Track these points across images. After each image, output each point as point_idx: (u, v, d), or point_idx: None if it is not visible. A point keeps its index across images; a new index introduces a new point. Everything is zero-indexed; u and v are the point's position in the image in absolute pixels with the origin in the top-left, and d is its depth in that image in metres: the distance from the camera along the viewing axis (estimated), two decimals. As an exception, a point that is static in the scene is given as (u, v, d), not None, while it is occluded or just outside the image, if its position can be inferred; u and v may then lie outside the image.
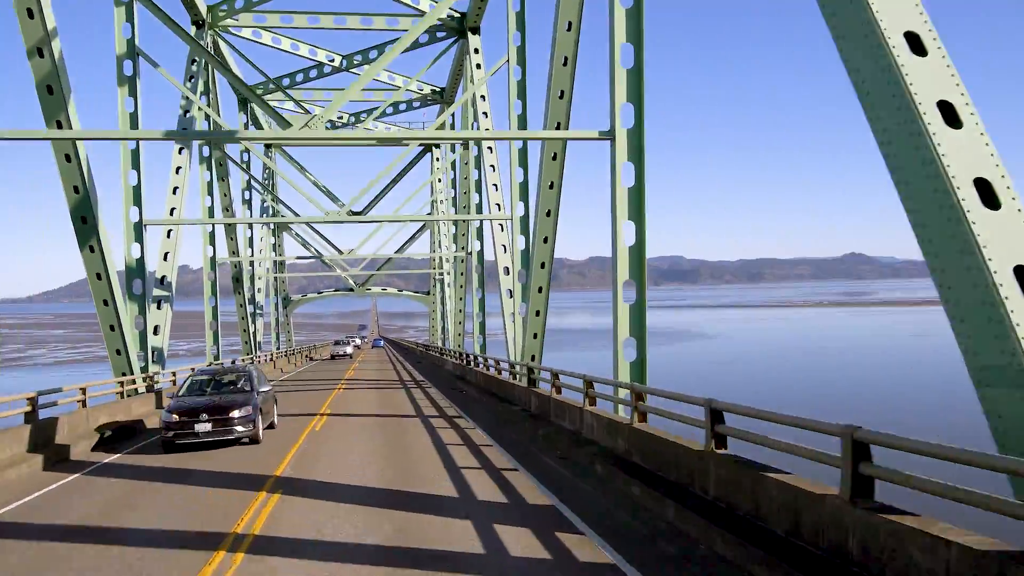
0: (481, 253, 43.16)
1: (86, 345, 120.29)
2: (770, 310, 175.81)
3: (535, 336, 28.03)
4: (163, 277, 31.89)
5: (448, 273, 60.89)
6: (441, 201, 65.06)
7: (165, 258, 32.38)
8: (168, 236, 32.70)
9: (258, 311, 55.69)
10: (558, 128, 23.70)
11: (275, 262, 66.57)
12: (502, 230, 34.89)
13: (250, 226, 53.00)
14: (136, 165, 28.05)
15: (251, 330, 50.23)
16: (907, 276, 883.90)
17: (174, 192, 33.67)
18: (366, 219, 30.30)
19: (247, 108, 53.51)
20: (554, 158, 24.82)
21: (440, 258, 63.13)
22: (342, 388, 31.70)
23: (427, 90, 54.72)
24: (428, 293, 76.50)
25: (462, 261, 49.83)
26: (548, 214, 25.86)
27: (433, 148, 66.55)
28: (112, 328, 25.37)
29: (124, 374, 25.79)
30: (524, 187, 29.80)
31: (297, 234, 72.47)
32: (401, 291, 78.89)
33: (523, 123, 29.82)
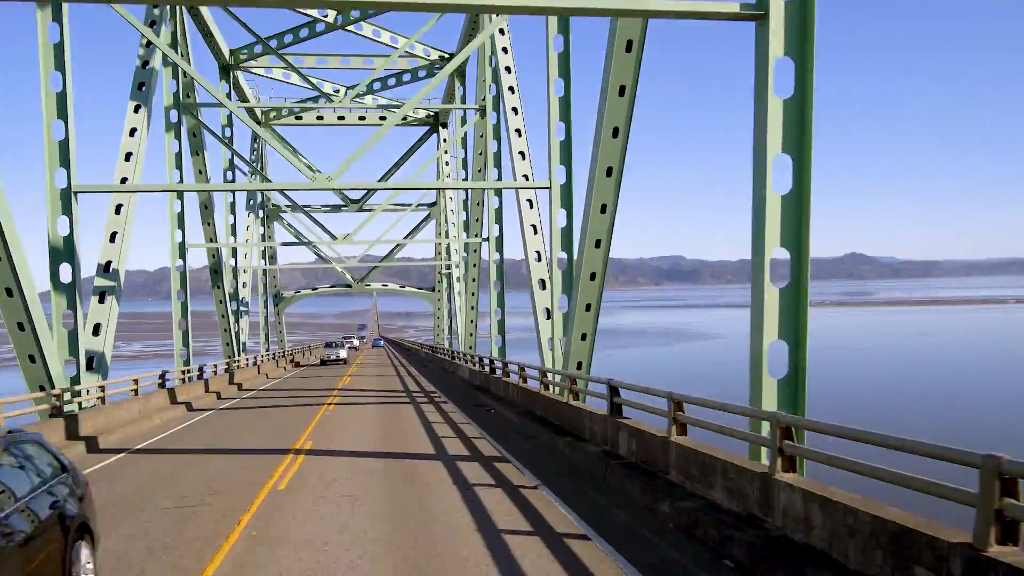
0: (500, 238, 36.57)
1: None
2: None
3: (584, 337, 21.51)
4: (108, 263, 25.40)
5: (457, 266, 54.23)
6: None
7: (112, 239, 25.87)
8: (117, 212, 26.17)
9: (243, 308, 49.12)
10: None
11: (264, 253, 59.95)
12: (531, 207, 28.36)
13: (232, 211, 46.47)
14: (63, 114, 21.51)
15: (233, 329, 43.63)
16: (907, 276, 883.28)
17: (127, 159, 27.19)
18: (364, 185, 23.75)
19: (229, 76, 46.96)
20: (622, 93, 18.27)
21: (448, 247, 56.33)
22: (333, 403, 25.12)
23: (435, 56, 48.17)
24: (433, 289, 69.80)
25: (475, 251, 43.25)
26: (609, 173, 19.30)
27: (440, 128, 59.93)
28: (21, 327, 18.86)
29: (42, 388, 19.33)
30: (567, 146, 23.26)
31: (289, 224, 65.91)
32: (403, 287, 72.16)
33: (566, 65, 23.30)
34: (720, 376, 54.79)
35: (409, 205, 63.94)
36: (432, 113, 59.72)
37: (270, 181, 49.97)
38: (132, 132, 27.62)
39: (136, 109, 27.90)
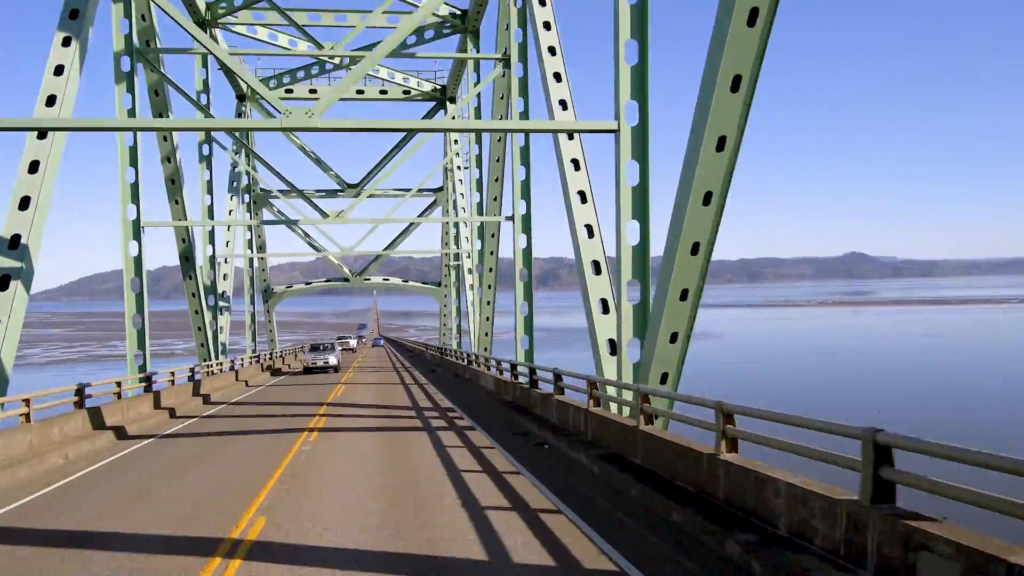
0: (528, 216, 30.00)
1: (82, 344, 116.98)
2: (773, 309, 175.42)
3: (673, 339, 15.09)
4: (15, 237, 19.03)
5: (469, 255, 47.59)
6: (460, 167, 51.83)
7: (23, 206, 19.54)
8: (32, 171, 19.83)
9: (223, 303, 42.57)
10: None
11: (251, 243, 53.40)
12: (577, 168, 21.80)
13: (209, 191, 39.84)
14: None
15: (209, 328, 37.12)
16: (908, 276, 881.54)
17: (49, 103, 20.75)
18: (357, 125, 17.10)
19: (205, 34, 40.28)
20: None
21: (457, 234, 49.51)
22: (318, 427, 18.55)
23: (444, 11, 41.54)
24: (439, 284, 63.18)
25: (492, 235, 36.63)
26: (735, 86, 12.78)
27: (448, 103, 53.26)
28: None
29: None
30: (640, 74, 16.68)
31: (280, 212, 59.35)
32: (406, 281, 65.43)
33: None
34: (726, 376, 50.41)
35: (414, 191, 57.45)
36: (439, 86, 53.13)
37: (258, 156, 43.29)
38: (58, 71, 21.16)
39: (65, 42, 21.47)
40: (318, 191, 58.93)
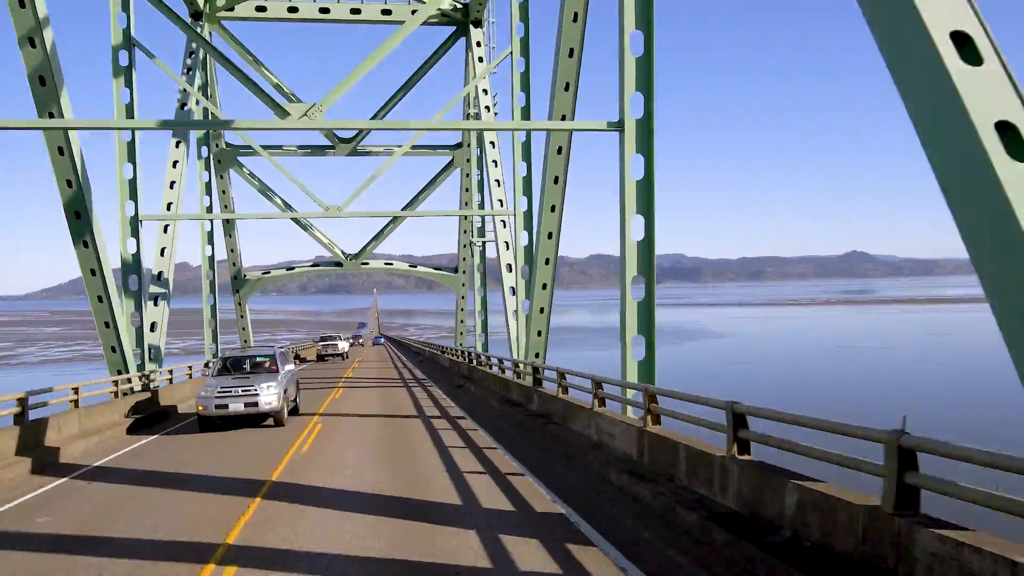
0: (647, 119, 16.70)
1: (78, 343, 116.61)
2: (775, 308, 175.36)
3: None
4: None
5: (504, 223, 34.31)
6: (488, 107, 38.41)
7: None
8: None
9: (157, 287, 29.38)
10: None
11: (209, 206, 40.17)
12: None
13: (130, 115, 26.56)
14: None
15: (131, 324, 23.93)
16: (909, 274, 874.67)
17: None
18: None
19: None
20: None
21: (483, 191, 35.81)
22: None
23: None
24: (456, 271, 49.78)
25: (555, 180, 23.23)
26: None
27: (472, 27, 40.00)
28: None
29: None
30: None
31: (252, 174, 46.13)
32: (414, 266, 52.06)
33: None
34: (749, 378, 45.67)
35: (411, 142, 44.49)
36: (460, 4, 40.00)
37: (230, 62, 30.34)
38: None
39: None
40: (302, 147, 45.89)
